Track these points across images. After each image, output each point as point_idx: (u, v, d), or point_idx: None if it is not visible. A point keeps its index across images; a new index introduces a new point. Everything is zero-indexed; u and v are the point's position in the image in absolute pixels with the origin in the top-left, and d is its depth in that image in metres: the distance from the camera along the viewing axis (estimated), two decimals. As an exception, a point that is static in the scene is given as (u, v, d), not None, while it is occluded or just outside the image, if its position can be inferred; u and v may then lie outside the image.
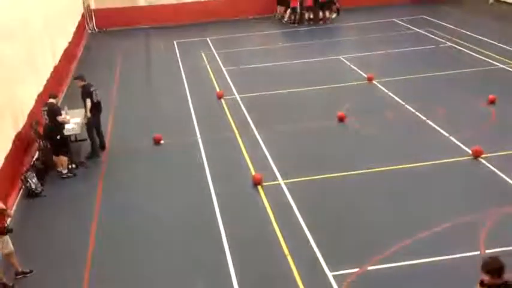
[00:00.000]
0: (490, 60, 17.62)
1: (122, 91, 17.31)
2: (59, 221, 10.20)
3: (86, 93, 12.32)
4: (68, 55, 18.99)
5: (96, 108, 12.49)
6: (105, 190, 11.15)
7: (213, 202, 10.30)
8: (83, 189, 11.36)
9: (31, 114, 13.17)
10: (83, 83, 12.51)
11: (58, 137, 11.51)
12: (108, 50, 22.53)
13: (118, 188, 11.20)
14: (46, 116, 11.67)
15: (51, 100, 11.81)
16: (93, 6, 26.48)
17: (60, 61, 18.08)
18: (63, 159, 11.63)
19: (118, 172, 11.95)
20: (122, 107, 15.80)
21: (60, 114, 11.55)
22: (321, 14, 25.13)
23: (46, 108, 11.79)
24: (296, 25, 24.86)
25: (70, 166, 11.86)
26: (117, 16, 26.14)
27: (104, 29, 26.10)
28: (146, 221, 9.95)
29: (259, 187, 10.66)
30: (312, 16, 25.08)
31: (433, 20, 23.72)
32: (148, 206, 10.44)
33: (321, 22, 24.93)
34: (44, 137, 11.92)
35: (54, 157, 11.68)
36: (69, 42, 19.99)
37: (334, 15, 25.33)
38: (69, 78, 18.72)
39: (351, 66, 18.07)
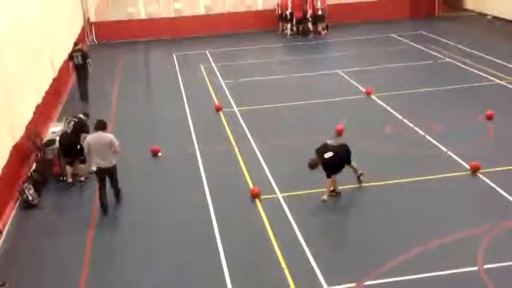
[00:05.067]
0: (487, 76, 17.70)
1: (121, 103, 17.32)
2: (55, 233, 10.13)
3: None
4: (67, 67, 19.02)
5: (76, 68, 17.43)
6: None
7: (210, 215, 10.26)
8: (80, 201, 11.32)
9: (29, 126, 13.16)
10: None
11: (78, 147, 11.68)
12: (107, 62, 22.56)
13: (113, 201, 11.09)
14: (72, 127, 11.75)
15: (82, 116, 12.13)
16: (93, 19, 26.63)
17: (59, 73, 18.12)
18: (82, 166, 11.79)
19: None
20: (121, 119, 15.80)
21: (88, 133, 11.78)
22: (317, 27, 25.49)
23: (76, 119, 11.93)
24: (300, 37, 25.08)
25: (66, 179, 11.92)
26: (117, 29, 26.29)
27: (103, 42, 26.20)
28: (143, 234, 9.90)
29: (257, 200, 10.63)
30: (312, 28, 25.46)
31: (431, 35, 23.87)
32: (145, 219, 10.39)
33: (320, 35, 25.30)
34: (65, 145, 11.83)
35: (80, 165, 11.83)
36: (69, 56, 19.98)
37: (325, 31, 25.65)
38: (68, 90, 18.77)
39: (350, 80, 18.14)
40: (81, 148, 11.70)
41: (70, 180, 11.78)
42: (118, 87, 19.13)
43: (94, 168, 10.39)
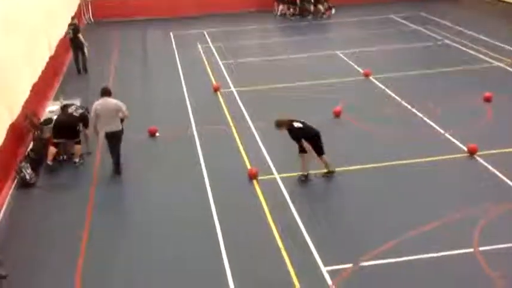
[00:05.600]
0: (486, 58, 17.65)
1: (118, 83, 17.20)
2: (53, 212, 10.15)
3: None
4: (63, 46, 18.89)
5: (71, 42, 18.04)
6: (98, 181, 11.11)
7: (208, 196, 10.28)
8: (77, 180, 11.31)
9: (26, 105, 13.09)
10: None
11: (78, 128, 11.81)
12: (104, 42, 22.41)
13: (111, 180, 11.14)
14: (79, 114, 11.83)
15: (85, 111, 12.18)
16: (89, -2, 26.35)
17: (56, 52, 17.99)
18: (78, 147, 11.78)
19: (111, 164, 11.86)
20: (117, 99, 15.65)
21: (87, 127, 11.96)
22: (320, 7, 25.33)
23: (84, 109, 12.13)
24: (298, 17, 24.94)
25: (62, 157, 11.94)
26: (114, 7, 26.04)
27: (100, 20, 25.96)
28: (140, 215, 9.92)
29: (254, 181, 10.65)
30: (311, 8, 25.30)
31: (430, 17, 23.73)
32: (142, 199, 10.41)
33: (323, 16, 25.11)
34: (65, 124, 11.74)
35: (76, 146, 11.78)
36: (65, 33, 19.84)
37: (333, 11, 25.45)
38: (64, 68, 18.66)
39: (348, 61, 18.06)
40: (78, 130, 11.71)
41: (50, 162, 11.52)
42: (115, 67, 19.01)
43: (102, 134, 10.98)
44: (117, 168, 11.17)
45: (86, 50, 18.00)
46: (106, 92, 11.09)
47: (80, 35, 17.95)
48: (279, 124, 10.51)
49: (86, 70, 18.13)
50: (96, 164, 11.82)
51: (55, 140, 11.66)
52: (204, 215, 9.67)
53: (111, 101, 10.99)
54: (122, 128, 11.07)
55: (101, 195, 10.58)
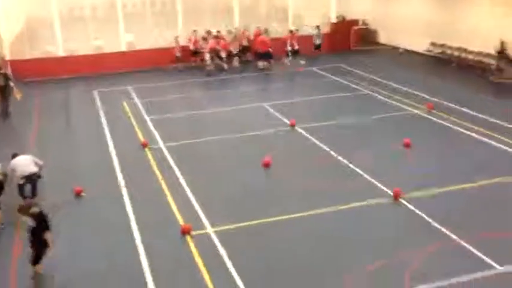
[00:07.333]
0: (402, 106, 18.64)
1: (40, 143, 16.62)
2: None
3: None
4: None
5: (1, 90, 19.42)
6: (23, 248, 10.51)
7: (140, 256, 9.97)
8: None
9: None
10: None
11: None
12: (25, 102, 21.62)
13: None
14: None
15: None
16: (8, 57, 25.62)
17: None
18: None
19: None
20: (40, 159, 15.12)
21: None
22: (260, 63, 25.57)
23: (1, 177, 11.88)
24: (216, 73, 25.19)
25: None
26: (35, 67, 25.40)
27: (21, 80, 25.22)
28: (69, 281, 9.44)
29: (188, 237, 10.47)
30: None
31: (349, 69, 24.89)
32: (70, 264, 9.93)
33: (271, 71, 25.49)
34: None
35: None
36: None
37: (288, 59, 25.94)
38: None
39: (274, 113, 18.47)
40: None
41: None
42: (37, 127, 18.38)
43: (21, 182, 11.87)
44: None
45: (13, 93, 19.53)
46: (17, 153, 12.37)
47: (11, 82, 19.70)
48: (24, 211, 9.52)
49: (8, 114, 19.46)
50: (17, 228, 11.22)
51: None
52: (137, 276, 9.35)
53: (24, 155, 12.35)
54: (38, 171, 12.04)
55: (24, 265, 9.96)
